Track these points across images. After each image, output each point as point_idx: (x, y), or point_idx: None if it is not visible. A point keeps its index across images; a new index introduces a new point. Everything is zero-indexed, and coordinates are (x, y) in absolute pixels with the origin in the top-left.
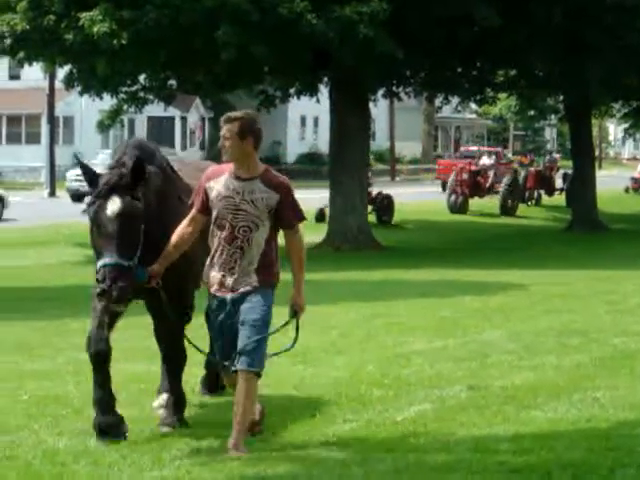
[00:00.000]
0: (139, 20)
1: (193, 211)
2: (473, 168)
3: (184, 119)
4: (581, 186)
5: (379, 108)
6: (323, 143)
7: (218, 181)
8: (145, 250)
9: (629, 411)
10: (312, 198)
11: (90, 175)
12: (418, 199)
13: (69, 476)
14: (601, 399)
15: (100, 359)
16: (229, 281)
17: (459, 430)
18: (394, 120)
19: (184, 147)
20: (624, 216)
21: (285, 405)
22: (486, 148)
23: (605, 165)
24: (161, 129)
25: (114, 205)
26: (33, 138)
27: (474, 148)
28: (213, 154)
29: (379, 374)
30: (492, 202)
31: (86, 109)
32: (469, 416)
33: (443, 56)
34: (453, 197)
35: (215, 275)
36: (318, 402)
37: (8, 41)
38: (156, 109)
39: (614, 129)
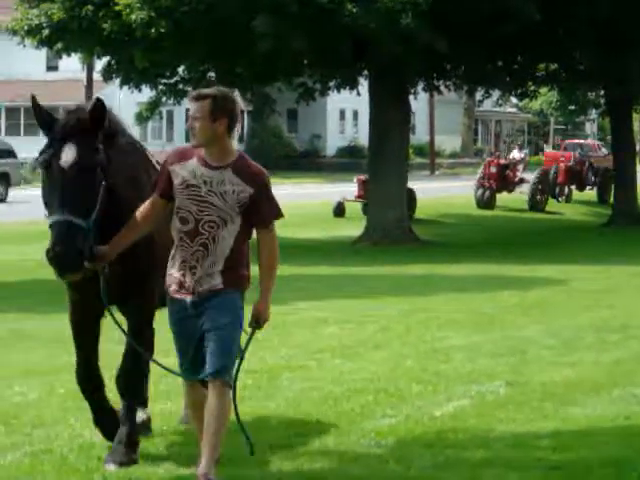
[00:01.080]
0: (176, 9)
1: (154, 194)
2: (502, 162)
3: None
4: (621, 180)
5: (419, 101)
6: (363, 136)
7: (184, 166)
8: (107, 224)
9: None
10: (352, 191)
11: (44, 117)
12: (463, 192)
13: (105, 470)
14: None
15: (88, 394)
16: (189, 282)
17: (498, 426)
18: (434, 114)
19: None
20: None
21: (323, 400)
22: (583, 141)
23: None
24: None
25: (69, 153)
26: None
27: (579, 141)
28: (252, 147)
29: (418, 369)
30: (521, 197)
31: (124, 101)
32: (508, 412)
33: (484, 49)
34: (480, 191)
35: (174, 274)
36: (356, 397)
37: (46, 32)
38: None
39: None
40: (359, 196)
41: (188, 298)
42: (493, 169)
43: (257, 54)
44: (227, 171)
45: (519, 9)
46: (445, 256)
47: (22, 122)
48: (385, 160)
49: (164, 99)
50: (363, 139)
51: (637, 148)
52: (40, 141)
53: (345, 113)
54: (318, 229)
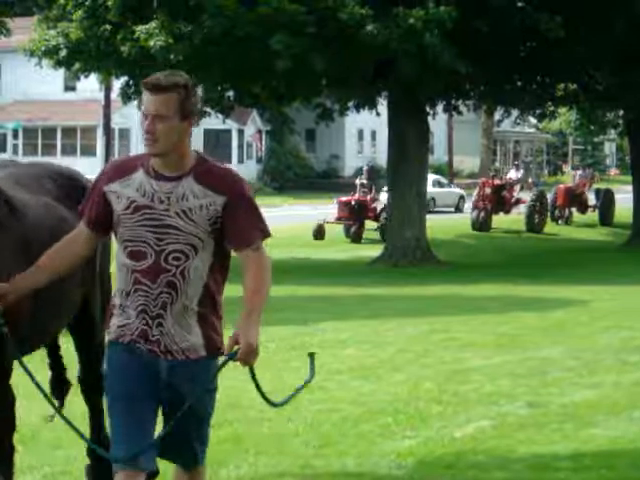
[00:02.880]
0: (195, 34)
1: (81, 224)
2: (497, 182)
3: (241, 132)
4: None
5: (438, 122)
6: (381, 157)
7: (128, 183)
8: None
9: None
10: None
11: None
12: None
13: None
14: None
15: None
16: (156, 334)
17: (518, 447)
18: (452, 134)
19: (241, 160)
20: None
21: (343, 421)
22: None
23: None
24: (218, 142)
25: None
26: (88, 150)
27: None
28: (270, 167)
29: (437, 390)
30: (519, 218)
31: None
32: (528, 433)
33: (504, 69)
34: (475, 213)
35: (132, 322)
36: (376, 418)
37: (63, 52)
38: (213, 122)
39: None
40: (339, 218)
41: (163, 361)
42: (488, 190)
43: (275, 74)
44: (188, 180)
45: (545, 25)
46: (464, 276)
47: (39, 142)
48: (404, 180)
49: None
50: (381, 159)
51: None
52: (57, 161)
53: (363, 133)
54: (336, 249)
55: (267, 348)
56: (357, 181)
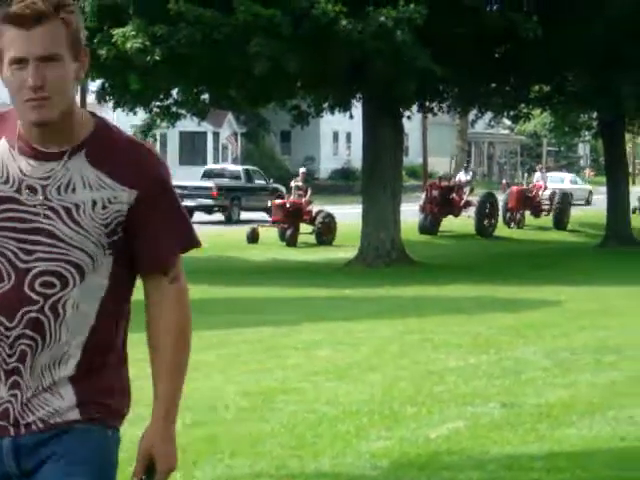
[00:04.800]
0: (172, 37)
1: None
2: (444, 185)
3: (216, 134)
4: (614, 202)
5: (412, 123)
6: (356, 159)
7: None
8: None
9: None
10: (347, 214)
11: None
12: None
13: None
14: (636, 417)
15: None
16: (5, 400)
17: (493, 448)
18: (427, 135)
19: (216, 162)
20: None
21: (318, 422)
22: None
23: (639, 181)
24: (193, 144)
25: None
26: None
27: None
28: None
29: (412, 391)
30: (469, 222)
31: (118, 123)
32: (503, 434)
33: (478, 71)
34: (422, 216)
35: None
36: (351, 419)
37: None
38: (188, 124)
39: None
40: (274, 221)
41: (5, 440)
42: (435, 193)
43: (251, 77)
44: (77, 160)
45: (522, 25)
46: (438, 277)
47: None
48: (379, 182)
49: (158, 122)
50: (356, 161)
51: (630, 169)
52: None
53: (338, 135)
54: (312, 251)
55: (242, 349)
56: (292, 183)
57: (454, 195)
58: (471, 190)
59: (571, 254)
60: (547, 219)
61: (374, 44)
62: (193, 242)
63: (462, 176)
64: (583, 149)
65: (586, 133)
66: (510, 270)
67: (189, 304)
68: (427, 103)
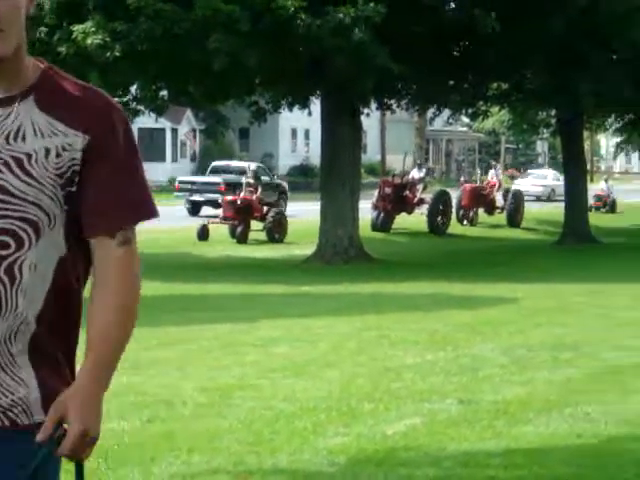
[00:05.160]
0: (132, 32)
1: None
2: (397, 182)
3: (175, 131)
4: (572, 199)
5: (370, 120)
6: (314, 155)
7: None
8: None
9: (620, 426)
10: (305, 210)
11: None
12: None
13: None
14: (592, 414)
15: None
16: None
17: (450, 444)
18: (385, 133)
19: (175, 158)
20: (617, 230)
21: (275, 418)
22: None
23: (597, 178)
24: (151, 140)
25: None
26: None
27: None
28: (204, 166)
29: (370, 387)
30: (422, 219)
31: None
32: (460, 430)
33: (435, 69)
34: (375, 213)
35: None
36: (309, 415)
37: None
38: (147, 120)
39: (606, 142)
40: (225, 218)
41: None
42: (388, 190)
43: (210, 73)
44: (26, 105)
45: (481, 21)
46: (396, 275)
47: None
48: (337, 179)
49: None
50: (315, 158)
51: (587, 167)
52: None
53: (297, 132)
54: (268, 248)
55: (200, 345)
56: (243, 180)
57: (407, 192)
58: (424, 187)
59: (528, 251)
60: (500, 217)
61: (333, 41)
62: (150, 209)
63: (415, 173)
64: (541, 146)
65: (544, 131)
66: (467, 267)
67: (139, 272)
68: (385, 100)
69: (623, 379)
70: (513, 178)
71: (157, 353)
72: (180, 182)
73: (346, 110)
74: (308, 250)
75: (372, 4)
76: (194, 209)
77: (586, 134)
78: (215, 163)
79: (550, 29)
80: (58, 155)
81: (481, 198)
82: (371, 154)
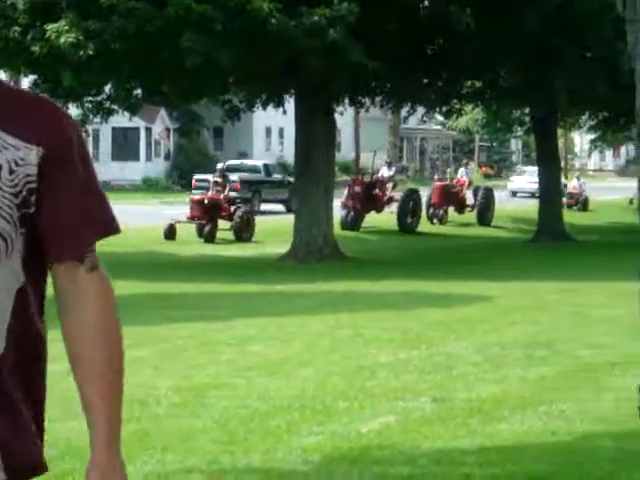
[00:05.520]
0: (105, 31)
1: None
2: (367, 181)
3: (149, 130)
4: (546, 197)
5: (344, 119)
6: (289, 154)
7: None
8: None
9: (595, 424)
10: (280, 209)
11: None
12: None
13: None
14: (567, 412)
15: None
16: None
17: (424, 442)
18: (359, 131)
19: (149, 158)
20: (589, 227)
21: (250, 417)
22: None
23: (571, 176)
24: (126, 139)
25: None
26: None
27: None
28: (178, 164)
29: (344, 386)
30: (392, 217)
31: None
32: (434, 428)
33: (409, 67)
34: (344, 212)
35: None
36: (283, 414)
37: None
38: (121, 120)
39: (580, 140)
40: (192, 217)
41: None
42: (357, 189)
43: (183, 72)
44: None
45: (456, 18)
46: (371, 273)
47: None
48: (311, 177)
49: (90, 117)
50: (289, 157)
51: (562, 164)
52: None
53: (271, 131)
54: (237, 247)
55: (175, 344)
56: (211, 179)
57: (377, 191)
58: (394, 186)
59: (502, 249)
60: (470, 215)
61: (307, 42)
62: (113, 225)
63: (385, 172)
64: (515, 145)
65: (518, 129)
66: (440, 265)
67: (115, 297)
68: (359, 98)
69: (597, 377)
70: (487, 176)
71: (131, 352)
72: (197, 180)
73: (320, 109)
74: (280, 249)
75: (346, 4)
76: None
77: (560, 132)
78: (228, 162)
79: (524, 25)
80: (11, 172)
81: (451, 196)
82: (345, 152)
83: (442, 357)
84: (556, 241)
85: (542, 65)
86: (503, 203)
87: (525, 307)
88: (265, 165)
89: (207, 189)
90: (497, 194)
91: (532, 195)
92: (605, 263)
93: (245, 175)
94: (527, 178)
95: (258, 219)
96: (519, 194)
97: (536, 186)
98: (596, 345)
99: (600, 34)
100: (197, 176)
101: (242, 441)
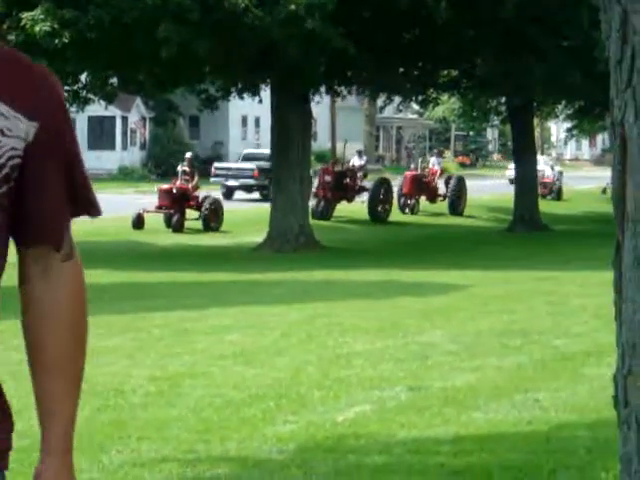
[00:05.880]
0: (80, 20)
1: None
2: (337, 169)
3: (125, 119)
4: (522, 187)
5: (321, 108)
6: (265, 143)
7: None
8: None
9: (570, 413)
10: (255, 198)
11: None
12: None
13: None
14: (542, 401)
15: None
16: None
17: (399, 431)
18: (335, 120)
19: (125, 146)
20: (565, 217)
21: (225, 406)
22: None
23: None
24: (102, 128)
25: None
26: None
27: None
28: (154, 154)
29: (320, 375)
30: (363, 207)
31: None
32: (409, 417)
33: (385, 56)
34: (315, 201)
35: None
36: (258, 403)
37: None
38: (97, 109)
39: (556, 129)
40: (160, 206)
41: None
42: (328, 178)
43: (159, 61)
44: None
45: (432, 9)
46: (347, 262)
47: None
48: (287, 167)
49: (67, 106)
50: (265, 146)
51: (538, 153)
52: None
53: (247, 120)
54: (208, 236)
55: (150, 334)
56: (179, 168)
57: (347, 180)
58: (365, 175)
59: (477, 239)
60: (442, 205)
61: (283, 31)
62: (98, 210)
63: (356, 161)
64: (491, 134)
65: (495, 118)
66: (415, 255)
67: (86, 290)
68: (336, 87)
69: (573, 366)
70: (463, 165)
71: (107, 341)
72: (216, 168)
73: (296, 98)
74: (254, 238)
75: None
76: (228, 193)
77: (536, 121)
78: (246, 151)
79: (501, 14)
80: (6, 145)
81: (423, 186)
82: (321, 142)
83: (418, 346)
84: (532, 231)
85: (518, 54)
86: (481, 192)
87: (501, 296)
88: None
89: (227, 177)
90: (476, 183)
91: None
92: (580, 252)
93: (262, 163)
94: None
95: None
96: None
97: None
98: (571, 334)
99: (576, 23)
100: (216, 164)
101: (217, 430)
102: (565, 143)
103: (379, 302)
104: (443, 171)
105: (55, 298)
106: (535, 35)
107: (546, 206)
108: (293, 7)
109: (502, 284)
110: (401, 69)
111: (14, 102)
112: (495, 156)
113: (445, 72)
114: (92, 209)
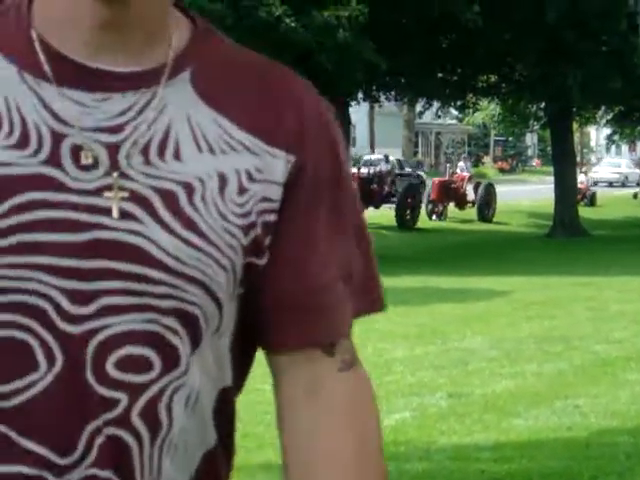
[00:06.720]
0: None
1: None
2: (363, 175)
3: None
4: (562, 192)
5: (359, 114)
6: None
7: None
8: None
9: (610, 419)
10: None
11: None
12: None
13: None
14: (582, 407)
15: None
16: None
17: (439, 438)
18: (374, 126)
19: None
20: (601, 222)
21: (263, 420)
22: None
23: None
24: None
25: None
26: None
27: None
28: None
29: None
30: (390, 213)
31: None
32: (449, 424)
33: (424, 61)
34: None
35: None
36: None
37: None
38: None
39: (596, 135)
40: None
41: None
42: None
43: None
44: (177, 90)
45: (462, 14)
46: (384, 268)
47: None
48: None
49: None
50: None
51: (577, 159)
52: None
53: None
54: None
55: None
56: None
57: (374, 186)
58: (392, 181)
59: (514, 245)
60: (471, 212)
61: (317, 40)
62: (381, 299)
63: (383, 166)
64: (531, 139)
65: (534, 123)
66: (450, 261)
67: (378, 416)
68: (373, 93)
69: (613, 372)
70: (502, 171)
71: None
72: None
73: (333, 104)
74: None
75: (354, 4)
76: None
77: (576, 127)
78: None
79: (543, 20)
80: (241, 190)
81: (451, 192)
82: (360, 147)
83: (457, 352)
84: (571, 236)
85: (557, 59)
86: (519, 197)
87: (541, 302)
88: (398, 160)
89: None
90: (513, 189)
91: (610, 184)
92: (620, 257)
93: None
94: (607, 168)
95: None
96: (600, 183)
97: (616, 176)
98: (612, 340)
99: (614, 28)
100: None
101: (242, 436)
102: (607, 150)
103: (417, 308)
104: (472, 176)
105: (330, 432)
106: (574, 40)
107: (581, 212)
108: (324, 17)
109: (542, 290)
110: (440, 74)
111: (261, 126)
112: (535, 161)
113: (484, 77)
114: (375, 303)
